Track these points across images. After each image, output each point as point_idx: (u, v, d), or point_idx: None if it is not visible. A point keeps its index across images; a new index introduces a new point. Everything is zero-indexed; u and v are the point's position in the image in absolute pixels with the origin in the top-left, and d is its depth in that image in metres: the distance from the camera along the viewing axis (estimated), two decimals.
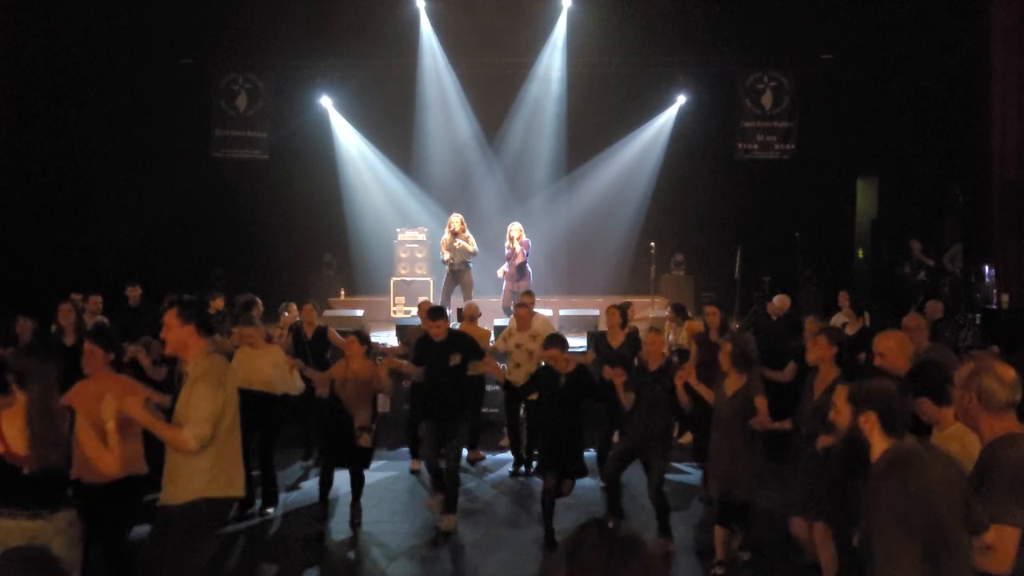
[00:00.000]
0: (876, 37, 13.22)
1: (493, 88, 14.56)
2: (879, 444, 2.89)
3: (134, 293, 10.04)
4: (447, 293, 11.74)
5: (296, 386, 7.05)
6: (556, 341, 6.33)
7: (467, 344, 6.86)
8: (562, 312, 12.34)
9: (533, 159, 14.88)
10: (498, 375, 7.23)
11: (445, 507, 6.57)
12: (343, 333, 8.55)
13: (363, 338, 6.87)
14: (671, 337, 8.93)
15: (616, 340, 7.77)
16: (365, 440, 6.51)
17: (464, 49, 14.36)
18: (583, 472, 6.22)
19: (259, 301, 9.11)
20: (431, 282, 13.18)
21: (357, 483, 6.69)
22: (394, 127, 14.76)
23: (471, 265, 11.68)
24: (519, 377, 7.54)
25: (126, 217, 13.61)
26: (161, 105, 13.85)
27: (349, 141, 15.12)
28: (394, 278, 13.38)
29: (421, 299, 9.02)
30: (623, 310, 7.98)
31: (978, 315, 11.18)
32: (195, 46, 14.17)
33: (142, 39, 13.49)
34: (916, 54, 12.94)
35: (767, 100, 14.38)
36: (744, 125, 14.45)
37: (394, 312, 13.09)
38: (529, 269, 11.59)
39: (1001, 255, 11.78)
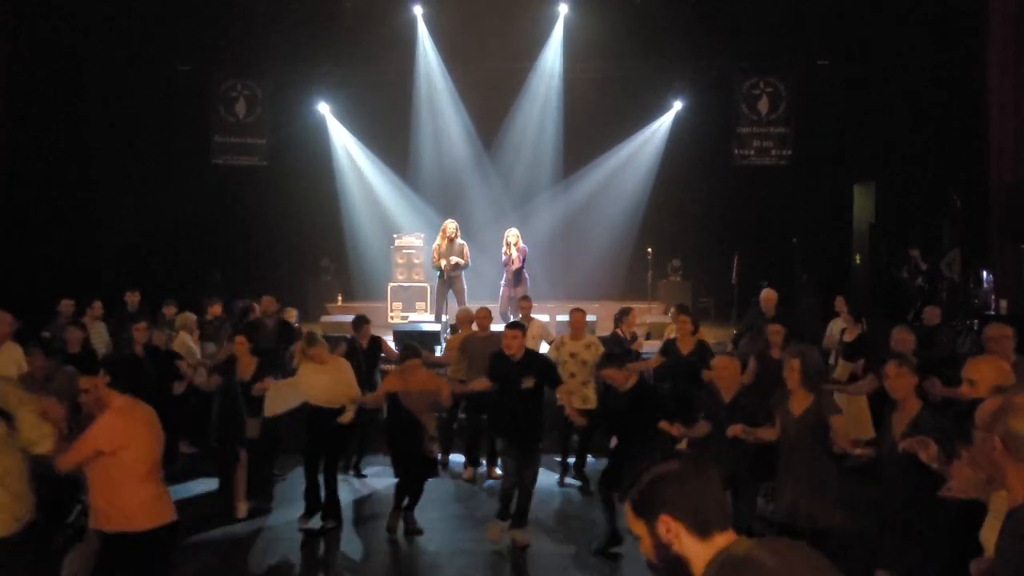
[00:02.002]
0: (872, 43, 13.24)
1: (489, 94, 14.58)
2: (694, 554, 1.93)
3: (133, 299, 10.05)
4: (441, 299, 11.75)
5: (355, 398, 6.94)
6: (611, 360, 6.12)
7: (543, 367, 6.57)
8: (559, 317, 12.31)
9: (529, 165, 14.89)
10: (444, 403, 7.02)
11: (515, 522, 6.33)
12: (339, 339, 8.51)
13: (416, 351, 6.75)
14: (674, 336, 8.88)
15: (686, 347, 7.66)
16: (435, 450, 6.47)
17: (460, 55, 14.38)
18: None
19: (256, 307, 9.13)
20: (428, 288, 13.17)
21: (417, 492, 6.63)
22: (391, 133, 14.77)
23: (463, 272, 11.70)
24: (573, 387, 7.37)
25: (125, 222, 13.60)
26: (160, 111, 13.86)
27: (346, 147, 15.13)
28: (391, 284, 13.37)
29: (477, 308, 8.65)
30: (690, 313, 7.88)
31: (976, 321, 11.15)
32: (193, 53, 14.19)
33: (141, 46, 13.50)
34: (912, 59, 12.96)
35: (763, 106, 14.40)
36: (740, 131, 14.46)
37: (391, 318, 13.07)
38: (526, 275, 11.59)
39: (999, 260, 11.76)
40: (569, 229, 14.78)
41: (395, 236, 13.73)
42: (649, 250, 13.36)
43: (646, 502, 1.97)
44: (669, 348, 7.87)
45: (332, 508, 6.79)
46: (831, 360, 8.58)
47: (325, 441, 6.69)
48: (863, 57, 13.43)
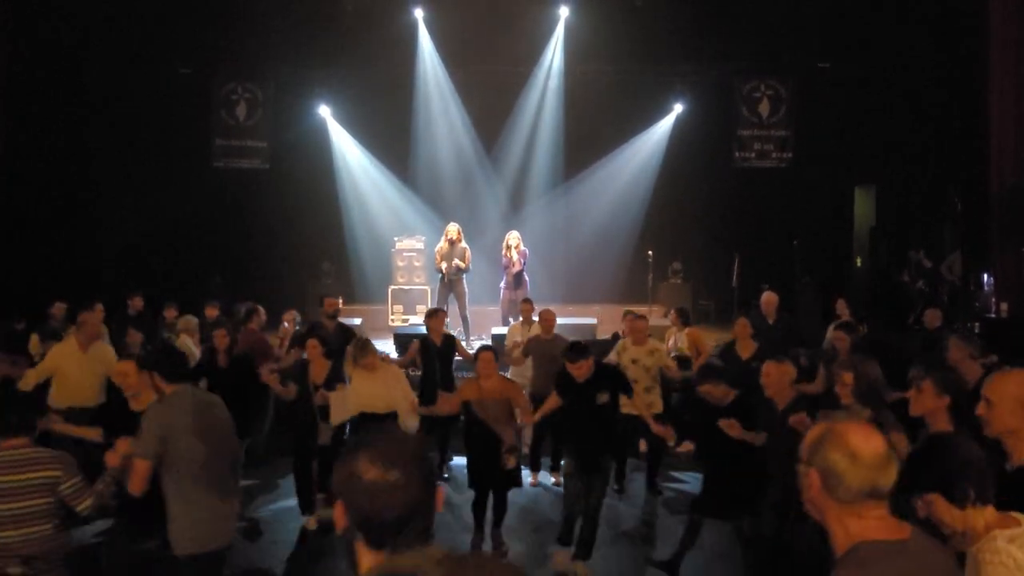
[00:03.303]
0: (872, 45, 13.24)
1: (491, 97, 14.58)
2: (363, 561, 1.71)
3: (136, 303, 10.05)
4: (442, 302, 11.75)
5: (414, 406, 6.72)
6: (708, 374, 5.70)
7: (613, 378, 6.17)
8: (559, 320, 12.28)
9: (530, 167, 14.90)
10: (524, 417, 6.45)
11: (578, 552, 5.92)
12: (411, 337, 8.50)
13: (495, 352, 6.43)
14: (672, 342, 8.85)
15: (746, 351, 7.31)
16: (512, 461, 6.12)
17: (461, 58, 14.39)
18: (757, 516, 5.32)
19: (261, 309, 9.11)
20: (429, 291, 13.17)
21: (501, 507, 6.31)
22: (392, 136, 14.77)
23: (465, 275, 11.70)
24: (635, 393, 6.90)
25: (126, 224, 13.61)
26: (161, 114, 13.87)
27: (347, 150, 15.13)
28: (392, 286, 13.37)
29: (542, 309, 8.58)
30: (750, 316, 7.56)
31: (977, 324, 11.14)
32: (194, 55, 14.19)
33: (142, 48, 13.50)
34: (913, 62, 12.96)
35: (764, 108, 14.40)
36: (741, 133, 14.46)
37: (392, 320, 13.06)
38: (526, 278, 11.59)
39: (1000, 263, 11.74)
40: (569, 232, 14.78)
41: (396, 239, 13.73)
42: (649, 253, 13.35)
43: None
44: (727, 353, 7.47)
45: None
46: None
47: None
48: (863, 59, 13.42)
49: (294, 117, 14.82)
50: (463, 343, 9.77)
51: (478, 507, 6.33)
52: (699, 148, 14.42)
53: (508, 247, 11.50)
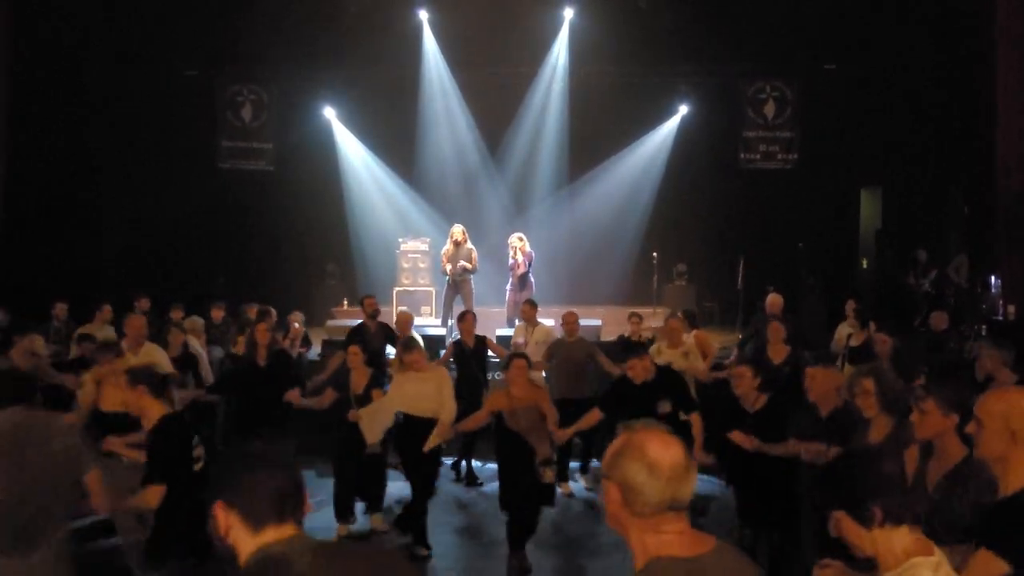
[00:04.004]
0: (879, 47, 13.21)
1: (495, 99, 14.58)
2: (243, 546, 1.92)
3: (143, 304, 10.05)
4: (448, 304, 11.73)
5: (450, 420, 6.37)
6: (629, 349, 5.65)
7: (677, 387, 5.75)
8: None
9: (535, 169, 14.88)
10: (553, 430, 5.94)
11: None
12: (339, 344, 8.45)
13: (526, 357, 6.08)
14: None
15: (778, 355, 7.01)
16: (549, 475, 5.77)
17: (466, 59, 14.38)
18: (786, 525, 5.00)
19: (273, 311, 9.12)
20: (433, 292, 13.16)
21: (531, 524, 5.94)
22: (397, 138, 14.78)
23: (471, 276, 11.69)
24: None
25: (131, 226, 13.66)
26: (166, 116, 13.90)
27: (352, 152, 15.14)
28: (397, 288, 13.35)
29: (566, 312, 8.39)
30: (784, 320, 7.24)
31: (984, 326, 11.10)
32: (200, 58, 14.24)
33: (148, 50, 13.54)
34: (918, 63, 12.94)
35: (769, 110, 14.38)
36: (746, 135, 14.43)
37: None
38: (532, 279, 11.58)
39: (1007, 265, 11.71)
40: (574, 233, 14.76)
41: (400, 240, 13.72)
42: (654, 254, 13.33)
43: (211, 488, 1.98)
44: (759, 357, 7.16)
45: (421, 531, 6.22)
46: (837, 363, 8.51)
47: (417, 455, 6.18)
48: (869, 61, 13.40)
49: (299, 119, 14.85)
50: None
51: (515, 525, 5.86)
52: (704, 150, 14.40)
53: (513, 248, 11.49)
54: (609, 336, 10.95)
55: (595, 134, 14.48)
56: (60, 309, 9.49)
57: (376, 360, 7.04)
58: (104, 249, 13.72)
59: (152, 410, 4.19)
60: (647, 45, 13.87)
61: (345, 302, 14.23)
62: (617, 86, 14.38)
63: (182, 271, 13.41)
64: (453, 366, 8.04)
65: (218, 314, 9.66)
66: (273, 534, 1.90)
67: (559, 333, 9.90)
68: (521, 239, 11.62)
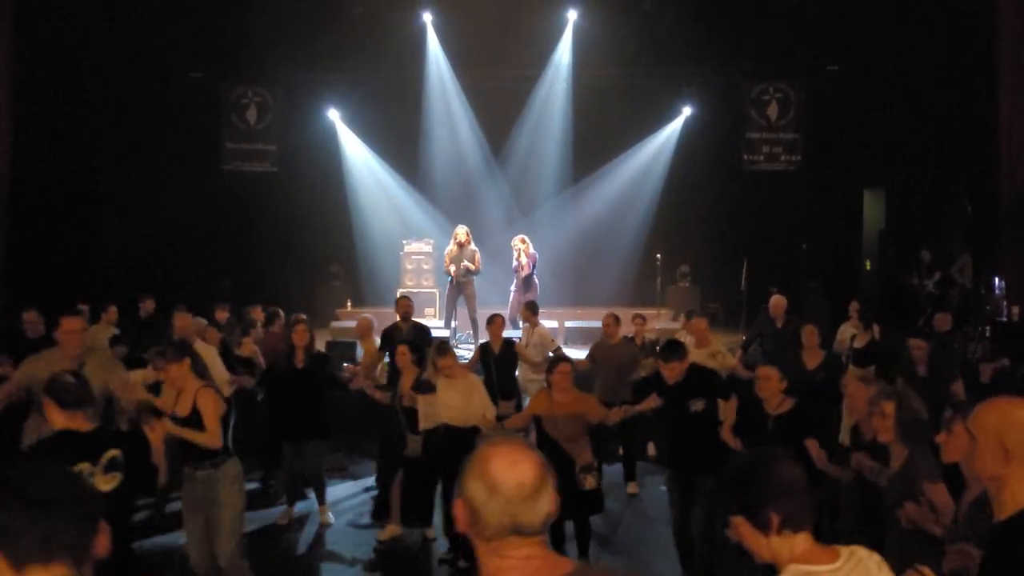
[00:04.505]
0: (882, 48, 13.21)
1: (499, 100, 14.61)
2: None
3: (147, 305, 10.08)
4: (451, 305, 11.75)
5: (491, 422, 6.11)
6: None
7: (708, 382, 5.54)
8: (567, 323, 12.34)
9: (539, 171, 14.90)
10: (598, 418, 5.75)
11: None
12: (345, 346, 8.44)
13: (568, 360, 5.84)
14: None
15: (813, 360, 6.83)
16: (591, 482, 5.57)
17: (470, 62, 14.41)
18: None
19: (282, 313, 9.12)
20: (437, 293, 13.19)
21: (583, 534, 5.77)
22: (401, 140, 14.81)
23: (474, 278, 11.71)
24: None
25: (135, 228, 13.66)
26: (171, 118, 13.94)
27: (356, 153, 15.18)
28: (400, 289, 13.36)
29: (605, 314, 8.26)
30: (816, 324, 7.04)
31: (988, 327, 11.09)
32: (205, 60, 14.28)
33: (153, 53, 13.56)
34: (922, 64, 12.92)
35: (773, 111, 14.38)
36: (750, 136, 14.44)
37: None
38: (536, 281, 11.59)
39: (1011, 266, 11.72)
40: (578, 235, 14.77)
41: (404, 242, 13.75)
42: (658, 256, 13.35)
43: None
44: (792, 361, 6.91)
45: (457, 537, 5.93)
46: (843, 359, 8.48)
47: (451, 463, 6.13)
48: (872, 62, 13.40)
49: (303, 121, 14.89)
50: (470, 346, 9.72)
51: (552, 534, 5.54)
52: (707, 151, 14.41)
53: (517, 250, 11.51)
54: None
55: (598, 136, 14.50)
56: (30, 315, 9.47)
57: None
58: (108, 251, 13.73)
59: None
60: (650, 47, 13.88)
61: (349, 303, 14.26)
62: (620, 88, 14.40)
63: (187, 273, 13.43)
64: (480, 369, 7.91)
65: (222, 315, 9.66)
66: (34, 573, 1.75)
67: (562, 336, 9.94)
68: (524, 241, 11.63)
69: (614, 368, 7.69)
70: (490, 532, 1.77)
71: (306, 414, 6.77)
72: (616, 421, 5.89)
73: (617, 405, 6.48)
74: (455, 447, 5.76)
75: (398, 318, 8.60)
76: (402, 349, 6.48)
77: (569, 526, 5.77)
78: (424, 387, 6.17)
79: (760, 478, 2.07)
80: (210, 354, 6.90)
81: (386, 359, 7.64)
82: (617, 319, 8.12)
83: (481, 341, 8.40)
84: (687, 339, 7.63)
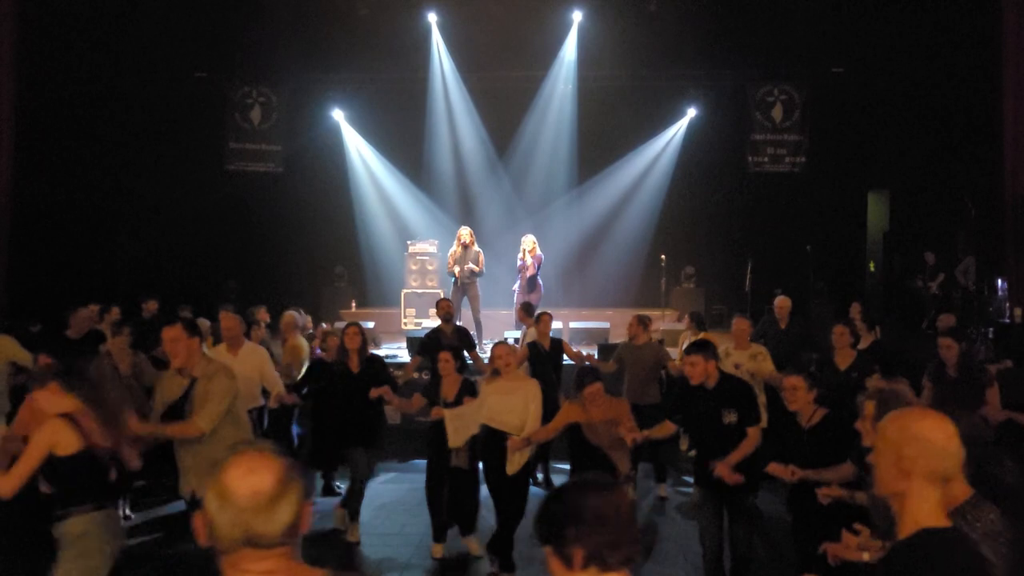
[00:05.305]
0: (886, 50, 13.20)
1: (503, 101, 14.62)
2: None
3: (151, 307, 10.12)
4: (455, 306, 11.75)
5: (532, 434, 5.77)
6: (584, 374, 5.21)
7: (742, 396, 5.11)
8: (572, 324, 12.35)
9: (543, 172, 14.92)
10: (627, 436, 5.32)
11: None
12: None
13: (596, 374, 5.52)
14: (685, 347, 8.73)
15: (844, 360, 6.61)
16: (630, 493, 5.33)
17: (475, 62, 14.44)
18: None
19: (301, 313, 9.16)
20: (441, 294, 13.19)
21: None
22: (405, 140, 14.84)
23: (478, 279, 11.73)
24: None
25: (139, 228, 13.71)
26: (175, 118, 13.98)
27: (361, 154, 15.22)
28: (405, 290, 13.41)
29: (632, 316, 8.02)
30: (850, 324, 6.82)
31: (991, 329, 11.10)
32: (209, 60, 14.31)
33: (156, 53, 13.60)
34: (927, 67, 12.92)
35: (777, 113, 14.38)
36: (754, 138, 14.44)
37: (405, 324, 13.11)
38: (540, 282, 11.61)
39: (1014, 268, 11.71)
40: (583, 236, 14.79)
41: (409, 243, 13.78)
42: (663, 257, 13.35)
43: None
44: (825, 363, 6.78)
45: (507, 556, 5.79)
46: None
47: (500, 472, 5.79)
48: (877, 64, 13.39)
49: (308, 121, 14.92)
50: (477, 347, 9.72)
51: None
52: (712, 153, 14.42)
53: (523, 251, 11.53)
54: (617, 339, 10.97)
55: (602, 137, 14.52)
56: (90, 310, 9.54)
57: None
58: (111, 251, 13.78)
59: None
60: (655, 48, 13.90)
61: (354, 304, 14.30)
62: (625, 89, 14.41)
63: (191, 273, 13.48)
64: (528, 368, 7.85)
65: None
66: None
67: (567, 335, 9.94)
68: (533, 241, 11.65)
69: (640, 370, 7.64)
70: (224, 544, 1.68)
71: (362, 419, 6.59)
72: (634, 444, 5.42)
73: (645, 406, 6.41)
74: (499, 452, 5.66)
75: (440, 321, 8.47)
76: (445, 356, 6.21)
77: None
78: (473, 393, 6.00)
79: (567, 507, 1.88)
80: (261, 356, 6.82)
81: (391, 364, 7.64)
82: (642, 320, 8.03)
83: (528, 340, 8.28)
84: (726, 343, 7.51)
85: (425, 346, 8.14)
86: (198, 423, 4.57)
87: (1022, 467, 3.88)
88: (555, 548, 1.86)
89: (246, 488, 1.68)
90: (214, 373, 4.70)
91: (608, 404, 5.39)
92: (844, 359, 6.59)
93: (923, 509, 2.14)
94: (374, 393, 6.37)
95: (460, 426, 5.88)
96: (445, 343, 7.52)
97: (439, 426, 6.03)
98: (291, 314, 8.42)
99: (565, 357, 8.34)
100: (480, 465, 6.05)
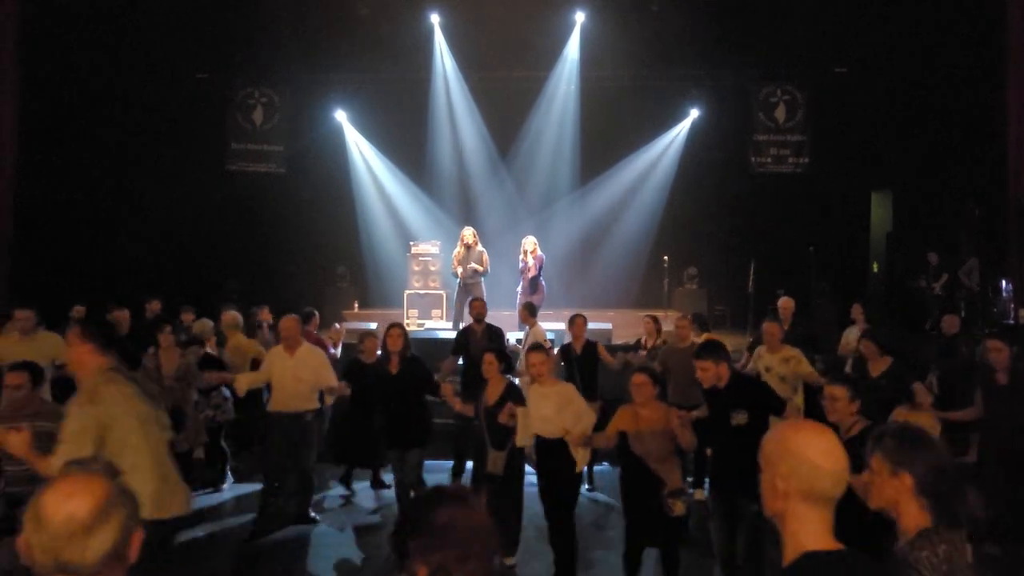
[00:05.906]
0: (889, 50, 13.18)
1: (506, 102, 14.62)
2: None
3: (153, 307, 10.11)
4: (460, 307, 11.76)
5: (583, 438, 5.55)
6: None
7: (754, 394, 4.96)
8: None
9: (546, 172, 14.92)
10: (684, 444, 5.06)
11: None
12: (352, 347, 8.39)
13: (656, 377, 5.23)
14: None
15: (877, 368, 6.42)
16: (679, 508, 4.95)
17: (477, 63, 14.44)
18: None
19: (317, 314, 9.16)
20: (444, 295, 13.20)
21: (672, 565, 5.09)
22: (407, 141, 14.84)
23: (482, 279, 11.71)
24: None
25: (142, 229, 13.71)
26: (177, 119, 13.98)
27: (363, 155, 15.22)
28: (407, 291, 13.40)
29: (678, 317, 7.98)
30: (876, 338, 6.60)
31: (995, 330, 11.05)
32: (211, 60, 14.32)
33: (158, 54, 13.60)
34: (930, 67, 12.90)
35: (780, 114, 14.36)
36: (757, 138, 14.42)
37: (407, 325, 13.08)
38: (542, 283, 11.59)
39: (1018, 269, 11.67)
40: (585, 236, 14.79)
41: (411, 243, 13.77)
42: (665, 258, 13.33)
43: None
44: (856, 369, 6.58)
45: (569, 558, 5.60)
46: (847, 368, 8.49)
47: (550, 481, 5.64)
48: (880, 64, 13.37)
49: (310, 121, 14.92)
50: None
51: (628, 560, 5.13)
52: (715, 153, 14.40)
53: (525, 252, 11.52)
54: (620, 340, 10.96)
55: (605, 137, 14.50)
56: (78, 311, 9.55)
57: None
58: (113, 252, 13.78)
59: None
60: (658, 49, 13.89)
61: (356, 305, 14.29)
62: (628, 90, 14.40)
63: (193, 274, 13.48)
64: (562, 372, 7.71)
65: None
66: None
67: (563, 338, 9.89)
68: (534, 242, 11.64)
69: (686, 372, 7.52)
70: (38, 569, 1.62)
71: (406, 421, 6.53)
72: (690, 448, 5.20)
73: (687, 409, 6.27)
74: (548, 461, 5.51)
75: (472, 321, 8.41)
76: (489, 358, 5.93)
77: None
78: (518, 397, 5.78)
79: (411, 520, 1.78)
80: (318, 358, 6.82)
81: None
82: (692, 321, 7.88)
83: (564, 342, 8.20)
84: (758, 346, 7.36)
85: (458, 346, 8.14)
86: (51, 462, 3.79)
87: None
88: (401, 563, 1.75)
89: (61, 514, 1.62)
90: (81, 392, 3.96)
91: (661, 408, 5.11)
92: (877, 367, 6.38)
93: (803, 531, 1.92)
94: (447, 396, 6.31)
95: (528, 427, 5.64)
96: (475, 343, 7.43)
97: (476, 436, 5.91)
98: (234, 314, 8.52)
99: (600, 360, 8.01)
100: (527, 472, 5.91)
